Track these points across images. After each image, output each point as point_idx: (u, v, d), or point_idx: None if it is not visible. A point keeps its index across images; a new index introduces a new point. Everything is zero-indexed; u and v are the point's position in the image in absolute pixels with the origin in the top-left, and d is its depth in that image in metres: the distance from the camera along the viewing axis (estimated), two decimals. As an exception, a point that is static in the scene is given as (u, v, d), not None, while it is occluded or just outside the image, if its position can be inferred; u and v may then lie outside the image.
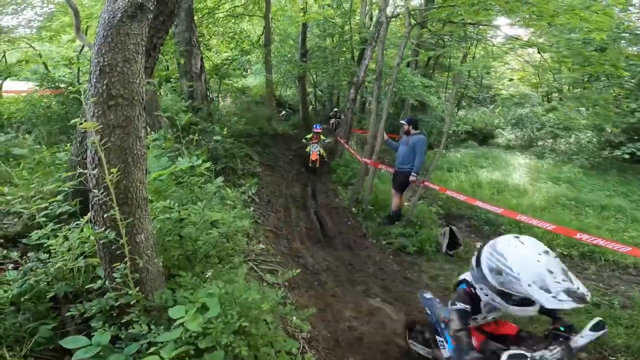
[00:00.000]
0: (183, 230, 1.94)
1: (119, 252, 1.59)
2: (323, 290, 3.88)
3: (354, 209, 6.46)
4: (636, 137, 9.36)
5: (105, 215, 1.56)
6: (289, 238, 5.17)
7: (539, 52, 6.57)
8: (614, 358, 3.03)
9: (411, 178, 5.58)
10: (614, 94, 10.28)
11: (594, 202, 7.20)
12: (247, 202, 5.06)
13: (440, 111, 11.73)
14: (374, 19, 13.20)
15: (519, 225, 6.08)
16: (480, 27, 7.77)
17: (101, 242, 1.60)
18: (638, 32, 10.29)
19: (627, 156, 8.97)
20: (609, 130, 10.42)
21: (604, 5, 5.74)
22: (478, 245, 5.70)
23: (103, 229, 1.58)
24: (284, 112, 14.02)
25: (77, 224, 1.95)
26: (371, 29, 10.41)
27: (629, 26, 7.96)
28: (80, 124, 1.54)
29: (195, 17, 7.78)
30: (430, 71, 15.04)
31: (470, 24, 6.37)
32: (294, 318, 1.84)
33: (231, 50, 10.62)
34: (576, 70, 6.20)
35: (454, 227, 5.38)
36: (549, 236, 5.83)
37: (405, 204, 6.21)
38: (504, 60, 12.10)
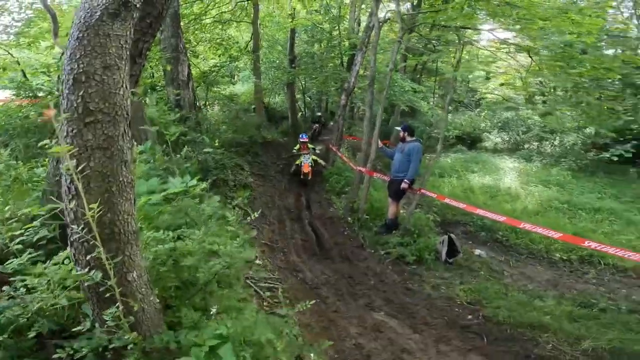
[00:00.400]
0: (180, 261, 1.73)
1: (108, 293, 1.37)
2: (325, 306, 3.71)
3: (349, 219, 6.30)
4: (621, 139, 9.49)
5: (89, 256, 1.33)
6: (285, 251, 4.97)
7: (529, 56, 6.56)
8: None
9: (402, 185, 5.48)
10: (597, 97, 10.46)
11: (586, 205, 7.24)
12: (244, 222, 4.88)
13: (430, 116, 11.72)
14: (362, 24, 13.19)
15: (516, 231, 6.03)
16: (468, 30, 7.78)
17: (86, 284, 1.38)
18: (618, 34, 10.53)
19: (615, 158, 9.10)
20: (595, 133, 10.62)
21: (590, 6, 5.77)
22: (477, 252, 5.62)
23: (87, 269, 1.35)
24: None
25: (54, 262, 1.71)
26: (360, 34, 10.37)
27: (617, 28, 8.09)
28: (50, 147, 1.27)
29: (182, 23, 7.56)
30: (419, 76, 15.11)
31: (462, 27, 6.35)
32: (312, 355, 1.66)
33: (219, 56, 10.40)
34: (569, 73, 6.20)
35: (452, 235, 5.29)
36: (546, 241, 5.80)
37: (402, 212, 6.09)
38: (494, 63, 12.23)
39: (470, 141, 14.53)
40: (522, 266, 5.36)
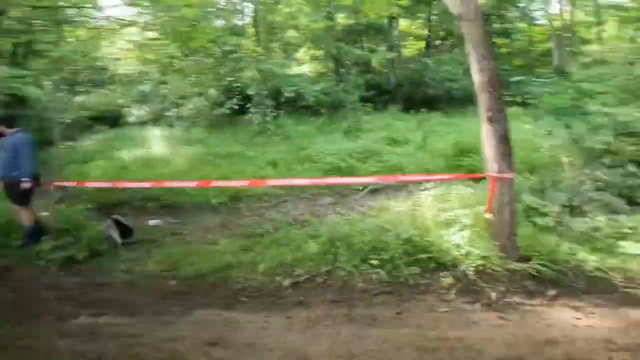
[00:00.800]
0: None
1: None
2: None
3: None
4: (230, 97, 12.25)
5: None
6: None
7: (146, 31, 6.85)
8: (291, 272, 3.80)
9: (25, 185, 4.60)
10: (209, 65, 12.72)
11: (221, 153, 9.00)
12: None
13: (47, 101, 9.92)
14: None
15: (172, 191, 6.49)
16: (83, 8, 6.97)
17: None
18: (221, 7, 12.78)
19: (229, 111, 11.73)
20: (214, 93, 13.08)
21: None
22: (151, 223, 5.78)
23: None
24: None
25: None
26: None
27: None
28: None
29: None
30: (23, 59, 11.97)
31: (65, 7, 5.57)
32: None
33: None
34: (179, 45, 7.08)
35: (116, 217, 5.17)
36: (203, 191, 6.56)
37: (44, 214, 5.12)
38: (114, 40, 11.75)
39: (113, 119, 13.77)
40: (194, 220, 5.92)
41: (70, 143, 9.84)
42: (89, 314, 3.38)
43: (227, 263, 4.11)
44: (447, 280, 3.53)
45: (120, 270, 4.31)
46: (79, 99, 14.02)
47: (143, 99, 15.12)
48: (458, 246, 3.75)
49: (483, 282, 3.45)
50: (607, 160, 6.26)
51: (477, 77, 3.69)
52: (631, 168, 5.79)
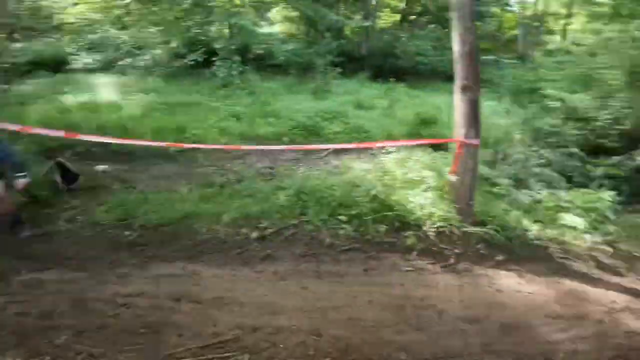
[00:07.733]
0: None
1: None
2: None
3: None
4: (194, 49, 11.39)
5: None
6: None
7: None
8: (257, 224, 3.76)
9: None
10: (176, 14, 11.77)
11: (180, 102, 8.39)
12: None
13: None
14: None
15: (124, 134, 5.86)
16: None
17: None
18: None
19: (192, 63, 10.97)
20: (176, 45, 12.14)
21: None
22: (100, 168, 5.29)
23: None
24: None
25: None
26: None
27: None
28: None
29: None
30: None
31: None
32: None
33: None
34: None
35: (61, 159, 4.69)
36: (157, 136, 6.06)
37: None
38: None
39: (54, 65, 12.31)
40: (147, 168, 5.49)
41: (5, 86, 8.68)
42: (31, 269, 3.06)
43: (187, 213, 3.93)
44: (410, 240, 3.64)
45: (65, 220, 3.92)
46: (17, 45, 12.34)
47: (93, 47, 13.65)
48: (422, 207, 3.86)
49: (442, 243, 3.59)
50: (552, 140, 6.82)
51: (458, 48, 3.72)
52: (572, 149, 6.34)
